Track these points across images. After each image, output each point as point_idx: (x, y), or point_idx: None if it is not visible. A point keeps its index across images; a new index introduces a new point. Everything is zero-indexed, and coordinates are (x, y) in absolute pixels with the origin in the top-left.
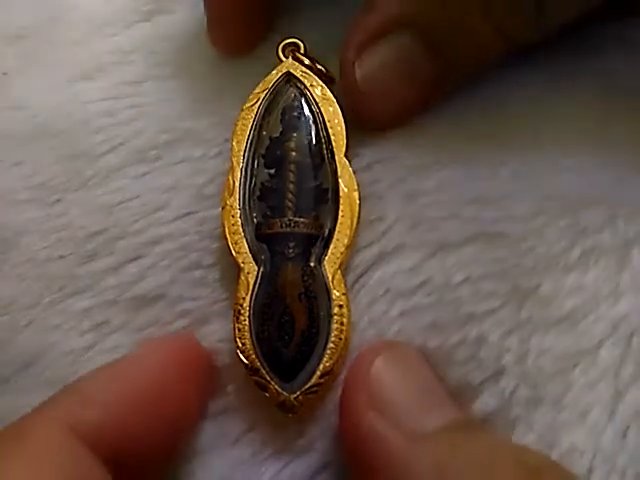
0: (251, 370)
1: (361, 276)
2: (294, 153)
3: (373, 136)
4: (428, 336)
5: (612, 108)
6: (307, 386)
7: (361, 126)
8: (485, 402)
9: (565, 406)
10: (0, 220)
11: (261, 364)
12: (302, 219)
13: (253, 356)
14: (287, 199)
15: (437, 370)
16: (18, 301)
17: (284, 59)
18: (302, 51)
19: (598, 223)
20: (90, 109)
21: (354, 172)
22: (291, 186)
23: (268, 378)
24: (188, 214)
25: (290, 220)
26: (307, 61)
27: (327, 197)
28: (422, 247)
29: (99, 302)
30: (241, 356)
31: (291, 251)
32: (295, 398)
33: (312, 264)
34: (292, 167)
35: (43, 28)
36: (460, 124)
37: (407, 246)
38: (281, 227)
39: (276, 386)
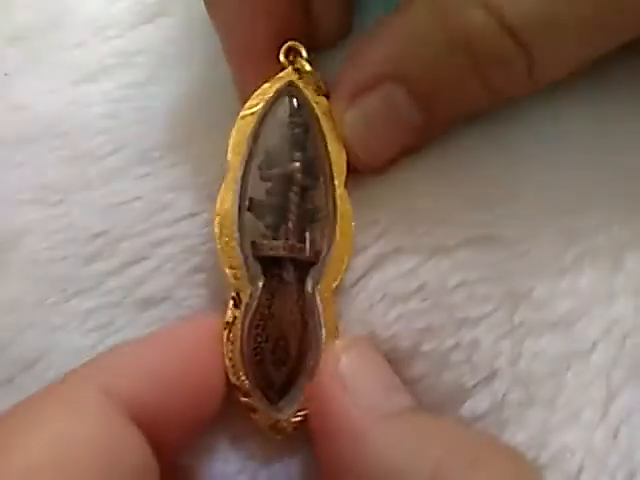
0: (240, 392)
1: (359, 280)
2: (299, 174)
3: None
4: (422, 339)
5: (608, 109)
6: (296, 409)
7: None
8: (477, 404)
9: (557, 407)
10: (2, 221)
11: (251, 387)
12: (303, 244)
13: (243, 378)
14: (290, 221)
15: (431, 372)
16: (21, 302)
17: (285, 63)
18: (304, 56)
19: (592, 226)
20: (93, 111)
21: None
22: (293, 207)
23: (258, 400)
24: (191, 215)
25: (293, 245)
26: (309, 67)
27: (325, 221)
28: (418, 251)
29: (103, 303)
30: (231, 377)
31: (290, 275)
32: (285, 420)
33: (309, 290)
34: (296, 189)
35: (45, 30)
36: (453, 130)
37: (403, 250)
38: (284, 250)
39: (266, 409)
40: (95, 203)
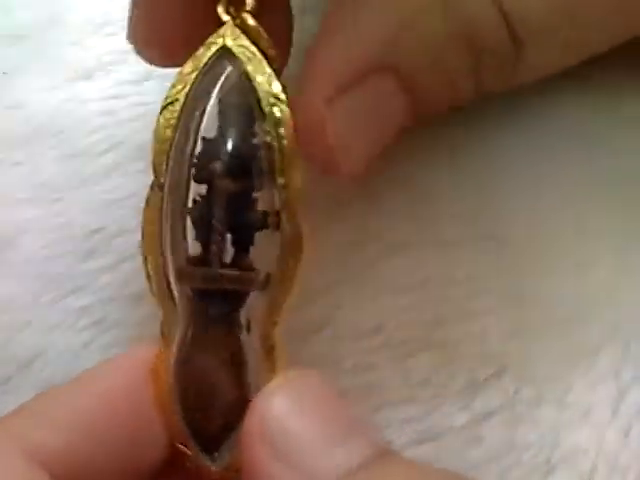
0: (174, 438)
1: (363, 272)
2: (224, 172)
3: None
4: (431, 330)
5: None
6: (232, 461)
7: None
8: (489, 399)
9: (567, 406)
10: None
11: (182, 429)
12: (230, 271)
13: (173, 419)
14: (213, 240)
15: (442, 364)
16: (17, 300)
17: (225, 19)
18: (248, 8)
19: (598, 226)
20: (90, 108)
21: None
22: (220, 218)
23: (190, 446)
24: None
25: (215, 273)
26: (252, 21)
27: (268, 229)
28: (424, 244)
29: (97, 299)
30: (161, 418)
31: (215, 311)
32: (217, 471)
33: (241, 327)
34: (219, 197)
35: (43, 28)
36: (459, 130)
37: (410, 244)
38: (204, 282)
39: (201, 458)
40: (92, 200)
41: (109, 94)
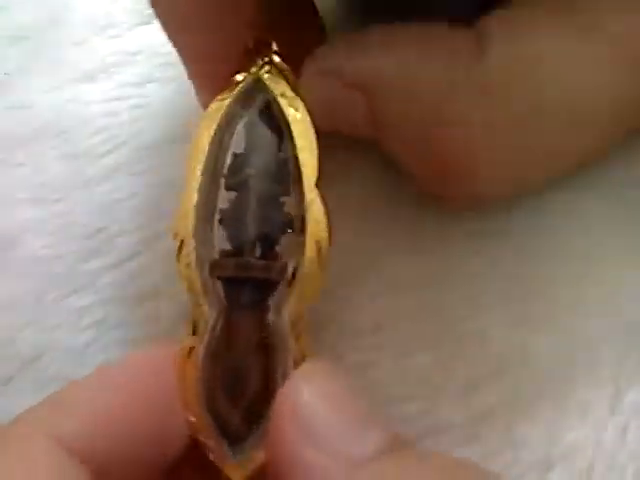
0: (198, 430)
1: (364, 269)
2: (255, 178)
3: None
4: (431, 327)
5: None
6: (257, 452)
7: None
8: (489, 396)
9: (566, 403)
10: (1, 220)
11: (210, 425)
12: (261, 261)
13: (199, 413)
14: (247, 233)
15: (444, 363)
16: (19, 300)
17: (253, 60)
18: (273, 48)
19: (599, 220)
20: (92, 110)
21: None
22: (250, 219)
23: (215, 439)
24: None
25: (247, 262)
26: (279, 59)
27: (293, 232)
28: (426, 241)
29: (99, 299)
30: (188, 415)
31: (246, 298)
32: (242, 464)
33: (271, 313)
34: (252, 195)
35: (45, 29)
36: None
37: (409, 241)
38: (235, 270)
39: (224, 450)
40: (94, 201)
41: (111, 95)
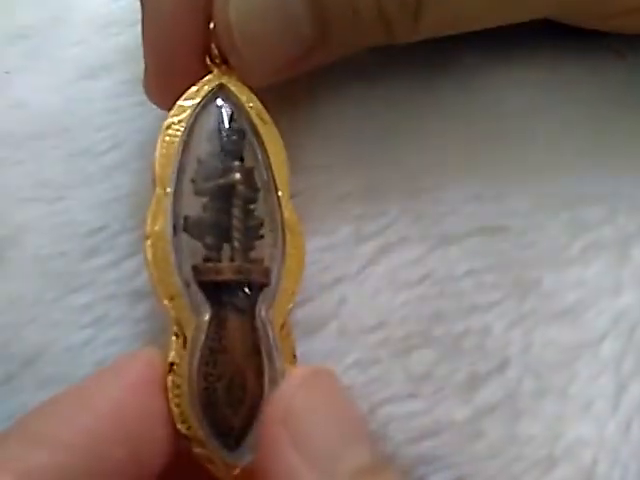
0: (193, 442)
1: (365, 267)
2: (241, 185)
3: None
4: (433, 324)
5: (608, 106)
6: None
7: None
8: (491, 393)
9: (569, 398)
10: (3, 218)
11: (205, 435)
12: (252, 265)
13: (196, 425)
14: (234, 239)
15: (444, 359)
16: (21, 299)
17: (213, 68)
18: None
19: (598, 218)
20: (93, 107)
21: None
22: (237, 223)
23: (214, 450)
24: None
25: (241, 266)
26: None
27: (271, 236)
28: (425, 240)
29: (99, 297)
30: (180, 426)
31: (241, 301)
32: (247, 468)
33: (262, 316)
34: (239, 202)
35: (46, 27)
36: (458, 124)
37: (410, 239)
38: (232, 274)
39: (224, 459)
40: (95, 199)
41: (113, 93)
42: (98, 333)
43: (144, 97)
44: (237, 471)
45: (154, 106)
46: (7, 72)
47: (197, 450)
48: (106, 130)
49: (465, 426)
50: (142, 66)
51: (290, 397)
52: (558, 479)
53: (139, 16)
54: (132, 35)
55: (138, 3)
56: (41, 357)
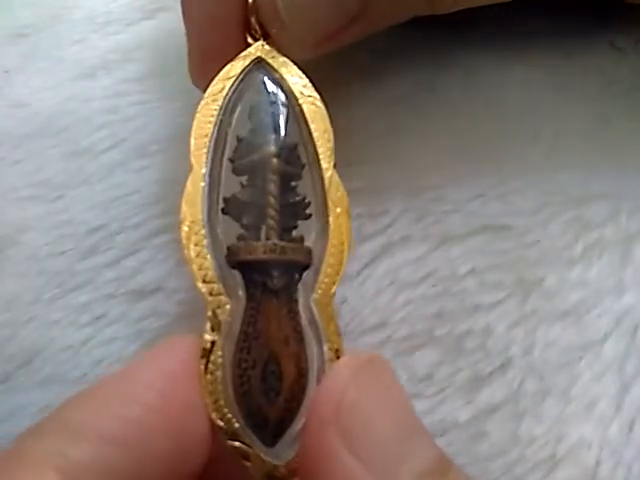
0: (227, 434)
1: (366, 267)
2: (275, 160)
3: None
4: (434, 325)
5: (611, 104)
6: (292, 451)
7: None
8: (494, 393)
9: (572, 398)
10: (2, 217)
11: (240, 426)
12: (289, 243)
13: (229, 416)
14: (269, 217)
15: (446, 359)
16: (20, 298)
17: (252, 41)
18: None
19: (601, 218)
20: (92, 106)
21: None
22: (272, 200)
23: (250, 443)
24: None
25: (275, 245)
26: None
27: (312, 215)
28: (427, 239)
29: (98, 296)
30: (214, 416)
31: (276, 282)
32: (284, 466)
33: (300, 298)
34: (274, 177)
35: (45, 26)
36: (461, 123)
37: (412, 238)
38: (264, 253)
39: (260, 453)
40: (94, 198)
41: (112, 92)
42: (97, 332)
43: (143, 96)
44: (275, 470)
45: (154, 105)
46: (6, 71)
47: (231, 443)
48: (106, 129)
49: (468, 427)
50: (141, 66)
51: (341, 391)
52: None
53: (138, 15)
54: (131, 34)
55: (137, 2)
56: (39, 356)
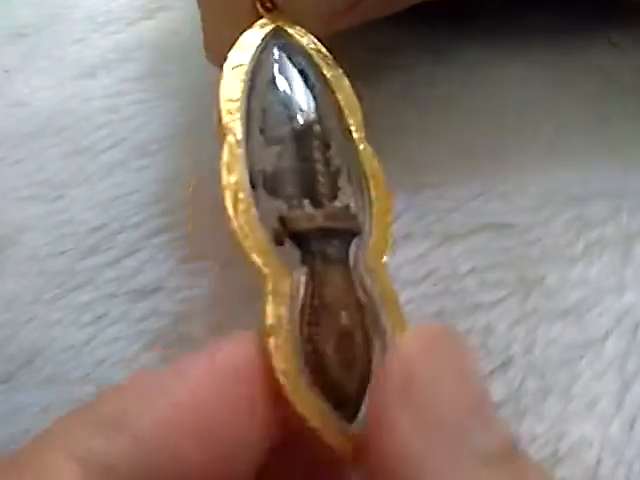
0: (307, 414)
1: None
2: (318, 127)
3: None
4: (435, 323)
5: (611, 103)
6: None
7: None
8: (495, 391)
9: (573, 397)
10: (2, 217)
11: (320, 405)
12: (343, 212)
13: (308, 395)
14: (319, 184)
15: None
16: (20, 298)
17: (264, 13)
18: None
19: (602, 216)
20: (93, 106)
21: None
22: (320, 167)
23: (332, 422)
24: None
25: (335, 212)
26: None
27: (354, 182)
28: (429, 237)
29: (99, 296)
30: (291, 397)
31: (336, 251)
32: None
33: (359, 267)
34: (317, 144)
35: (45, 26)
36: (462, 121)
37: (414, 236)
38: (325, 220)
39: (345, 432)
40: (94, 197)
41: (112, 91)
42: (98, 332)
43: (143, 95)
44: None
45: (154, 104)
46: (6, 71)
47: (312, 424)
48: (106, 128)
49: None
50: (141, 65)
51: (411, 362)
52: (562, 478)
53: (138, 15)
54: (131, 34)
55: (137, 1)
56: (42, 355)
